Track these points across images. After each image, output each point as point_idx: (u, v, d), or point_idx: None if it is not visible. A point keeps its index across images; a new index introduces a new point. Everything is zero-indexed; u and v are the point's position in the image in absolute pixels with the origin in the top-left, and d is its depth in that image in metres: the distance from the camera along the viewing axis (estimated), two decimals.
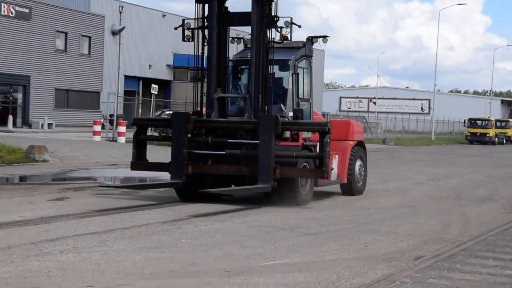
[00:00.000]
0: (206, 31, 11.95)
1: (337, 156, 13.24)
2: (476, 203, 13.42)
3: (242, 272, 6.68)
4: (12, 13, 38.23)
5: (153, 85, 32.20)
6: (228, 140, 11.65)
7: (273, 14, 11.59)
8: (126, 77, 50.02)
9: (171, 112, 41.42)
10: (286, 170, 11.28)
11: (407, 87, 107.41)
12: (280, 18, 11.60)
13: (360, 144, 14.18)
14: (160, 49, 52.96)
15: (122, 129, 29.04)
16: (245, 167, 11.53)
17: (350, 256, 7.72)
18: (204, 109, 12.22)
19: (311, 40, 12.73)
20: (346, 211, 11.58)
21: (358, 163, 13.92)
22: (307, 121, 12.13)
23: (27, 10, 39.25)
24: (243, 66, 12.59)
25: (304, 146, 11.82)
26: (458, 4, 66.51)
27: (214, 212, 10.70)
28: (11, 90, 39.08)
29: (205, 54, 12.03)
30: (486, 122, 61.91)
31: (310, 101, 12.73)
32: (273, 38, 11.64)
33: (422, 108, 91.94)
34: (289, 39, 11.63)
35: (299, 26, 11.55)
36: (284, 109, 12.10)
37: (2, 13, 37.62)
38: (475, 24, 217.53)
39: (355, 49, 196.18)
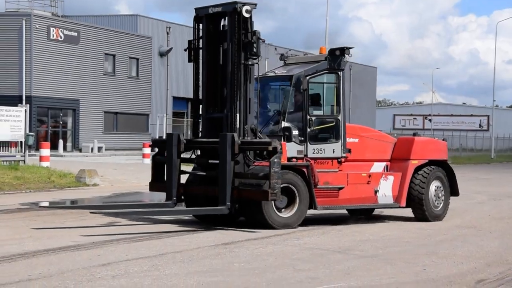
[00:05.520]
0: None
1: (392, 177, 12.68)
2: None
3: None
4: (61, 37, 39.21)
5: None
6: (209, 161, 11.71)
7: (250, 31, 11.29)
8: (175, 98, 50.65)
9: None
10: (242, 191, 11.09)
11: (464, 103, 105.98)
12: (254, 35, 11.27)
13: (438, 163, 13.32)
14: None
15: None
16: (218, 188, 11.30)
17: (408, 279, 7.65)
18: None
19: (334, 52, 12.22)
20: (403, 233, 11.46)
21: (434, 185, 13.08)
22: (258, 140, 11.36)
23: (75, 34, 40.21)
24: (270, 83, 12.74)
25: (285, 166, 11.19)
26: None
27: (266, 236, 10.73)
28: (61, 114, 39.99)
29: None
30: None
31: (339, 117, 12.18)
32: (255, 56, 11.33)
33: (480, 125, 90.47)
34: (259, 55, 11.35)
35: (263, 41, 11.33)
36: (284, 126, 11.71)
37: (51, 37, 38.61)
38: None
39: (409, 65, 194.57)
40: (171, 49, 47.75)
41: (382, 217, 13.78)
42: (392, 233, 11.38)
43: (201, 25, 11.99)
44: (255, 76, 11.91)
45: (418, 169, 12.94)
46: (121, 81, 43.69)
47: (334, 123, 12.17)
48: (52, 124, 39.71)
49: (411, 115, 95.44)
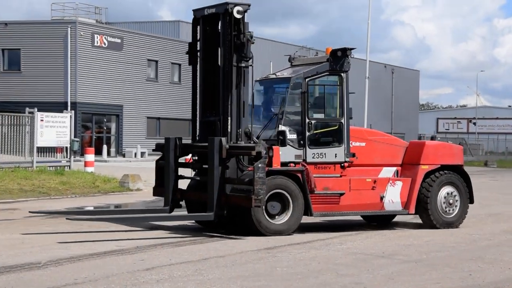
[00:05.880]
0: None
1: (400, 183, 12.09)
2: None
3: None
4: (105, 44, 39.76)
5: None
6: (203, 166, 11.37)
7: (242, 33, 10.95)
8: None
9: None
10: (231, 198, 10.79)
11: (510, 106, 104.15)
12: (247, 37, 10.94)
13: (451, 168, 12.58)
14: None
15: None
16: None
17: (453, 285, 7.54)
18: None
19: (335, 53, 11.67)
20: (447, 238, 11.31)
21: (445, 190, 12.40)
22: (243, 145, 10.93)
23: (119, 40, 40.73)
24: (275, 86, 12.33)
25: (278, 172, 10.91)
26: None
27: (309, 240, 10.70)
28: (105, 120, 40.51)
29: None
30: None
31: (342, 120, 11.66)
32: (248, 59, 10.99)
33: None
34: (250, 56, 10.97)
35: (253, 43, 10.99)
36: (278, 131, 11.31)
37: (95, 44, 39.18)
38: None
39: (453, 69, 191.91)
40: None
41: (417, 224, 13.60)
42: (436, 238, 11.24)
43: (198, 27, 11.73)
44: (257, 79, 11.71)
45: (429, 174, 12.33)
46: (164, 86, 44.07)
47: (336, 127, 11.72)
48: (96, 130, 40.27)
49: (455, 118, 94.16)
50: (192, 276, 7.71)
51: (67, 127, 22.37)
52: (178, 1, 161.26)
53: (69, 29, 37.97)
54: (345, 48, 11.68)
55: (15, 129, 21.66)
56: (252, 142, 11.04)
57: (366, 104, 34.98)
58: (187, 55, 11.99)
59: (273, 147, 10.98)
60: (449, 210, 12.46)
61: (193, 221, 12.12)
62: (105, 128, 40.67)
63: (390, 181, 12.05)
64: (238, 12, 10.89)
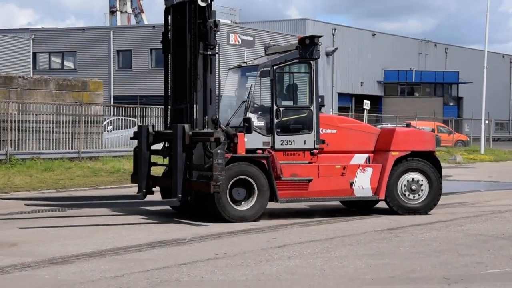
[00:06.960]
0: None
1: (370, 169, 11.12)
2: None
3: (461, 280, 6.44)
4: (238, 41, 40.43)
5: (365, 101, 32.06)
6: (172, 153, 10.54)
7: (209, 21, 10.32)
8: (340, 94, 50.51)
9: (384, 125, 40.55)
10: (194, 184, 10.20)
11: None
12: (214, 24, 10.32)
13: (422, 155, 11.45)
14: (370, 66, 52.70)
15: None
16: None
17: None
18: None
19: (304, 41, 10.91)
20: None
21: (408, 176, 11.27)
22: (204, 131, 10.25)
23: (251, 38, 41.27)
24: (247, 74, 11.65)
25: (242, 158, 10.27)
26: None
27: (429, 222, 10.40)
28: None
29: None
30: None
31: (311, 108, 10.91)
32: (214, 46, 10.41)
33: None
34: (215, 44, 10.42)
35: (216, 31, 10.32)
36: (244, 118, 10.65)
37: (230, 42, 39.91)
38: None
39: None
40: (336, 49, 47.63)
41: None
42: None
43: (170, 16, 11.08)
44: (231, 68, 11.10)
45: (399, 160, 11.30)
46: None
47: (305, 114, 10.99)
48: None
49: None
50: (320, 254, 7.71)
51: None
52: (305, 1, 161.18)
53: None
54: (313, 36, 11.01)
55: (162, 120, 22.50)
56: (219, 129, 10.42)
57: (484, 93, 33.56)
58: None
59: (238, 134, 10.43)
60: (413, 197, 11.31)
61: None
62: None
63: (360, 168, 11.13)
64: (202, 0, 10.30)
